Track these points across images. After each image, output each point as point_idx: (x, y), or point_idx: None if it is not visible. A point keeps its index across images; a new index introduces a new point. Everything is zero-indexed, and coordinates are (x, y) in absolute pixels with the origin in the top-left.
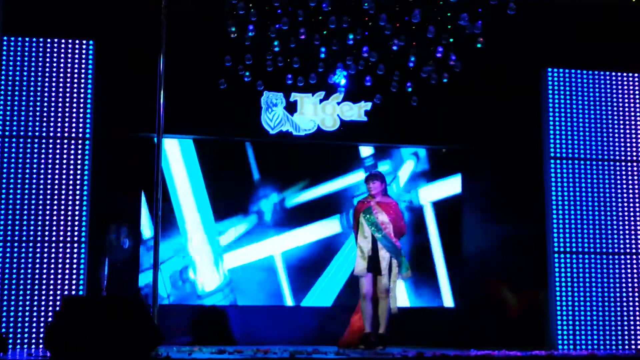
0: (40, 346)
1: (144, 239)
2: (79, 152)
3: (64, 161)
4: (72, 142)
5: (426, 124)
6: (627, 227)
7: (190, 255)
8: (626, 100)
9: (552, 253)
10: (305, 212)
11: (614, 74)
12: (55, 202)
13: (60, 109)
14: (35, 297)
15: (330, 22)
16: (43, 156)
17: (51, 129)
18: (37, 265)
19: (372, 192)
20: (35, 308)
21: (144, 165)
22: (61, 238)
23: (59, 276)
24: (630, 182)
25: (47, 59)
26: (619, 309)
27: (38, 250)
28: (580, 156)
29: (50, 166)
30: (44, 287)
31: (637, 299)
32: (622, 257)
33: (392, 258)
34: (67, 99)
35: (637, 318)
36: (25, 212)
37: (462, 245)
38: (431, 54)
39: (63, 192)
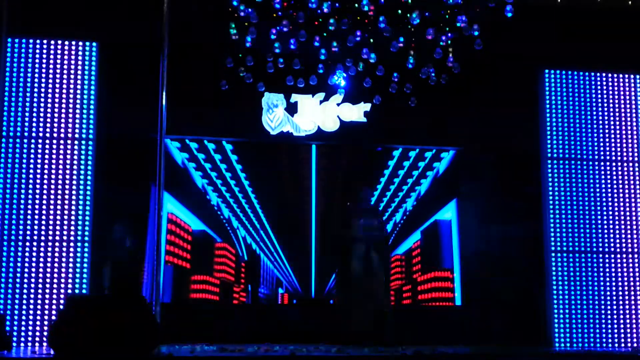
0: (45, 344)
1: None
2: (83, 152)
3: (68, 161)
4: (76, 142)
5: (425, 125)
6: (623, 226)
7: None
8: (624, 101)
9: (550, 252)
10: None
11: (611, 74)
12: (59, 201)
13: (64, 110)
14: (40, 296)
15: (330, 24)
16: (47, 156)
17: (55, 130)
18: (42, 264)
19: (362, 199)
20: (39, 306)
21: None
22: (65, 237)
23: (63, 275)
24: (626, 182)
25: (51, 60)
26: (615, 307)
27: (42, 249)
28: (578, 157)
29: (54, 166)
30: (48, 285)
31: (632, 297)
32: (619, 256)
33: (381, 259)
34: (71, 100)
35: (633, 316)
36: (30, 211)
37: (461, 245)
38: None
39: (67, 191)
